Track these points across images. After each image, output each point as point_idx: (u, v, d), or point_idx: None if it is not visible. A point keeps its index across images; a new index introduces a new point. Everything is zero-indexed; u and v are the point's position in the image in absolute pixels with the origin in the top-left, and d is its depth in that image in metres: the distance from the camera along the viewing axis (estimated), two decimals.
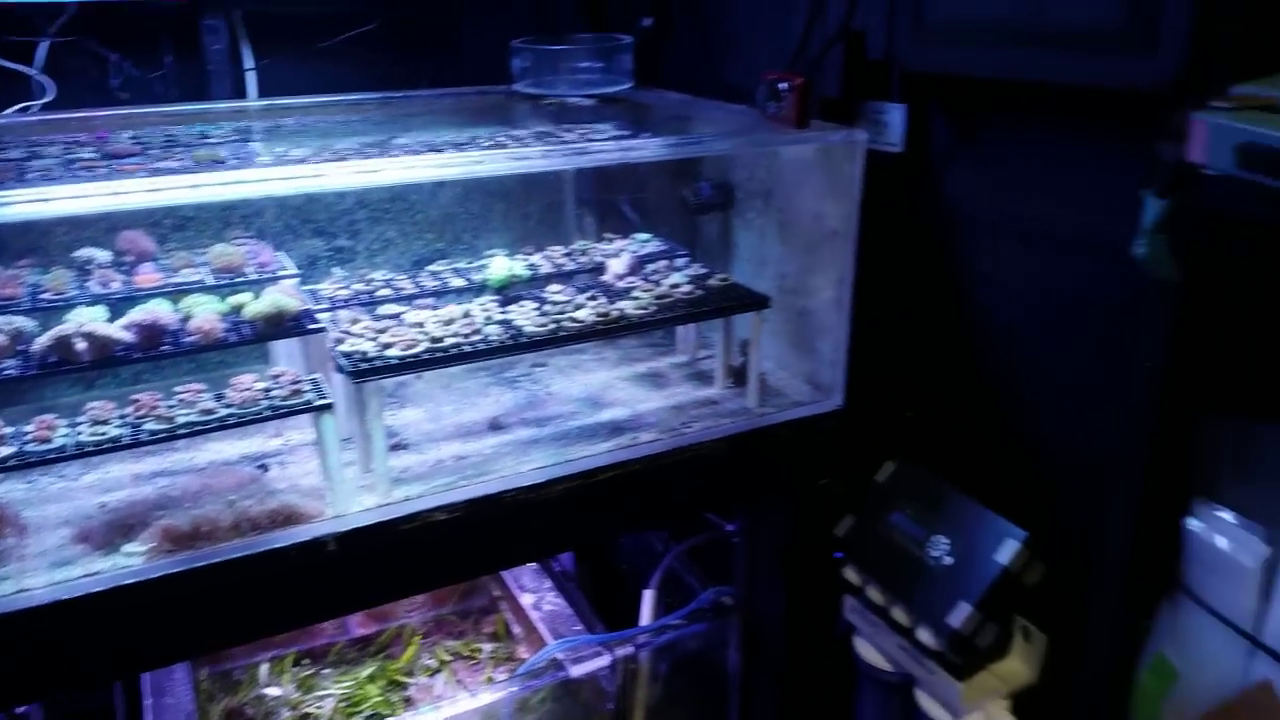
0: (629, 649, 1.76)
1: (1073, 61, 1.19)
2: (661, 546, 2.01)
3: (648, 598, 1.88)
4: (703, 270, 1.70)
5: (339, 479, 1.31)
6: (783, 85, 1.53)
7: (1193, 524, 1.10)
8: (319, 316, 1.42)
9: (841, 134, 1.53)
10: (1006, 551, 1.29)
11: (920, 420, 1.59)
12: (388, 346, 1.39)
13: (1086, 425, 1.32)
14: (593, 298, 1.57)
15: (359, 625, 2.18)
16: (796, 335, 1.71)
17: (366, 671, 2.01)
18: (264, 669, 2.00)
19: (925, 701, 1.40)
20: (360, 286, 1.62)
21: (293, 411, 1.29)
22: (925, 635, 1.33)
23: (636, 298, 1.57)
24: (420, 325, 1.46)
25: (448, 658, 2.08)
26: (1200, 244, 1.04)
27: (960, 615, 1.29)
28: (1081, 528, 1.28)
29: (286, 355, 1.53)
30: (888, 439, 1.58)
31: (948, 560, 1.35)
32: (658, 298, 1.58)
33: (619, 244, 1.81)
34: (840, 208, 1.56)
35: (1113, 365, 1.22)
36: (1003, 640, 1.37)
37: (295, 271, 1.51)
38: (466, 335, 1.43)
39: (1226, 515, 1.08)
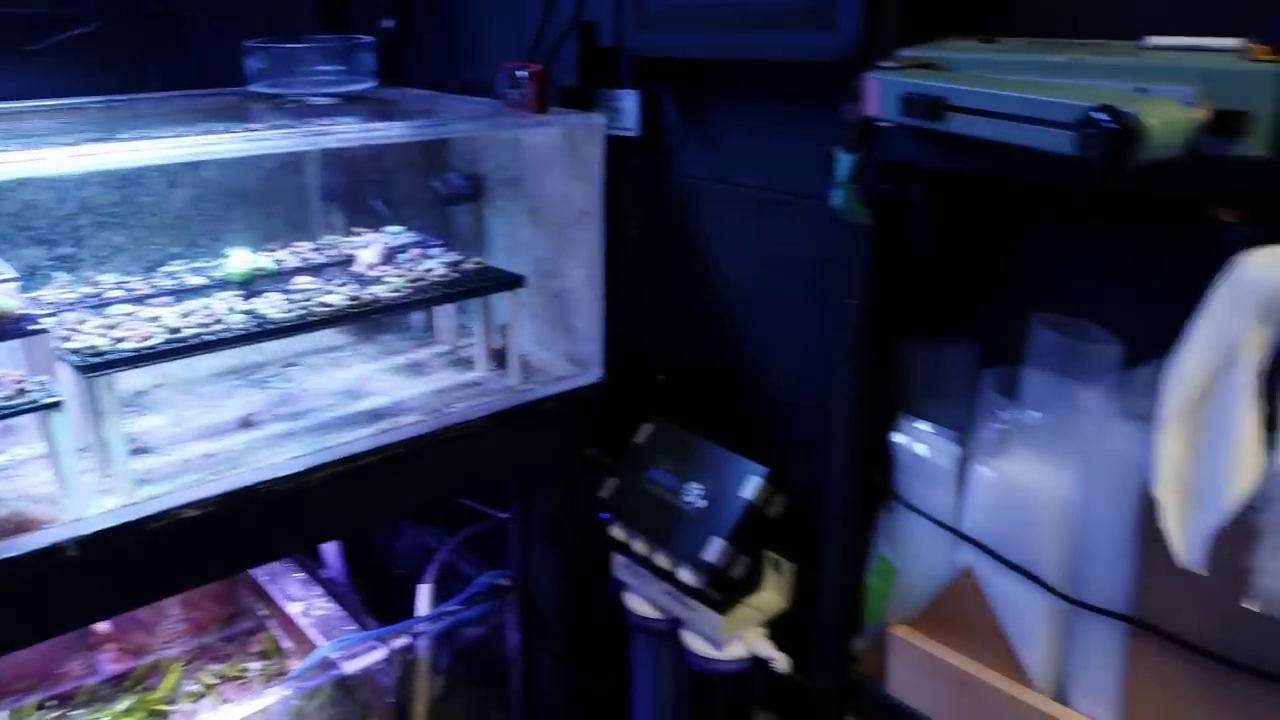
0: (405, 640, 1.74)
1: (770, 39, 1.33)
2: (436, 543, 2.01)
3: (423, 591, 1.87)
4: (458, 257, 1.73)
5: (75, 483, 1.23)
6: (521, 73, 1.60)
7: (898, 438, 1.25)
8: (42, 320, 1.33)
9: (579, 118, 1.62)
10: (750, 487, 1.40)
11: (673, 382, 1.69)
12: (120, 340, 1.32)
13: (811, 366, 1.46)
14: (343, 285, 1.56)
15: (111, 662, 2.02)
16: (554, 315, 1.77)
17: (123, 706, 1.87)
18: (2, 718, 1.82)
19: (691, 640, 1.49)
20: (88, 290, 1.53)
21: (17, 411, 1.20)
22: (685, 574, 1.42)
23: (389, 283, 1.58)
24: (156, 319, 1.40)
25: (214, 681, 1.97)
26: (885, 190, 1.18)
27: (714, 550, 1.39)
28: (814, 459, 1.41)
29: (4, 364, 1.42)
30: (645, 403, 1.67)
31: (701, 504, 1.44)
32: (411, 282, 1.60)
33: (370, 237, 1.81)
34: (585, 189, 1.64)
35: (828, 309, 1.36)
36: (755, 574, 1.48)
37: (12, 275, 1.40)
38: (207, 325, 1.39)
39: (924, 426, 1.24)
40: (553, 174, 1.71)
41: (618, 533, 1.55)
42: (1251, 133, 0.83)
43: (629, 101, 1.65)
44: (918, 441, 1.23)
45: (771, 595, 1.50)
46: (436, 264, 1.68)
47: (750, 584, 1.48)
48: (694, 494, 1.46)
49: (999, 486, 1.16)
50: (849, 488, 1.27)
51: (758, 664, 1.46)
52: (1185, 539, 0.88)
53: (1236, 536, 0.89)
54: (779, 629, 1.49)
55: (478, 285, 1.63)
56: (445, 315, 1.84)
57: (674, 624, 1.53)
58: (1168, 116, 0.81)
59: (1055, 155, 0.85)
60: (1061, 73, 0.96)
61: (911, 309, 1.26)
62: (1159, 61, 0.90)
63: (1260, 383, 0.84)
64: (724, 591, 1.43)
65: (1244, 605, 0.91)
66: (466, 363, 1.76)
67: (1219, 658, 1.00)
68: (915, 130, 1.06)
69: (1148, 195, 0.97)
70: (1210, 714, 1.03)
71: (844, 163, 1.18)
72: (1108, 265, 1.14)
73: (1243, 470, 0.84)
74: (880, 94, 1.08)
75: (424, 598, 1.87)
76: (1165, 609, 1.04)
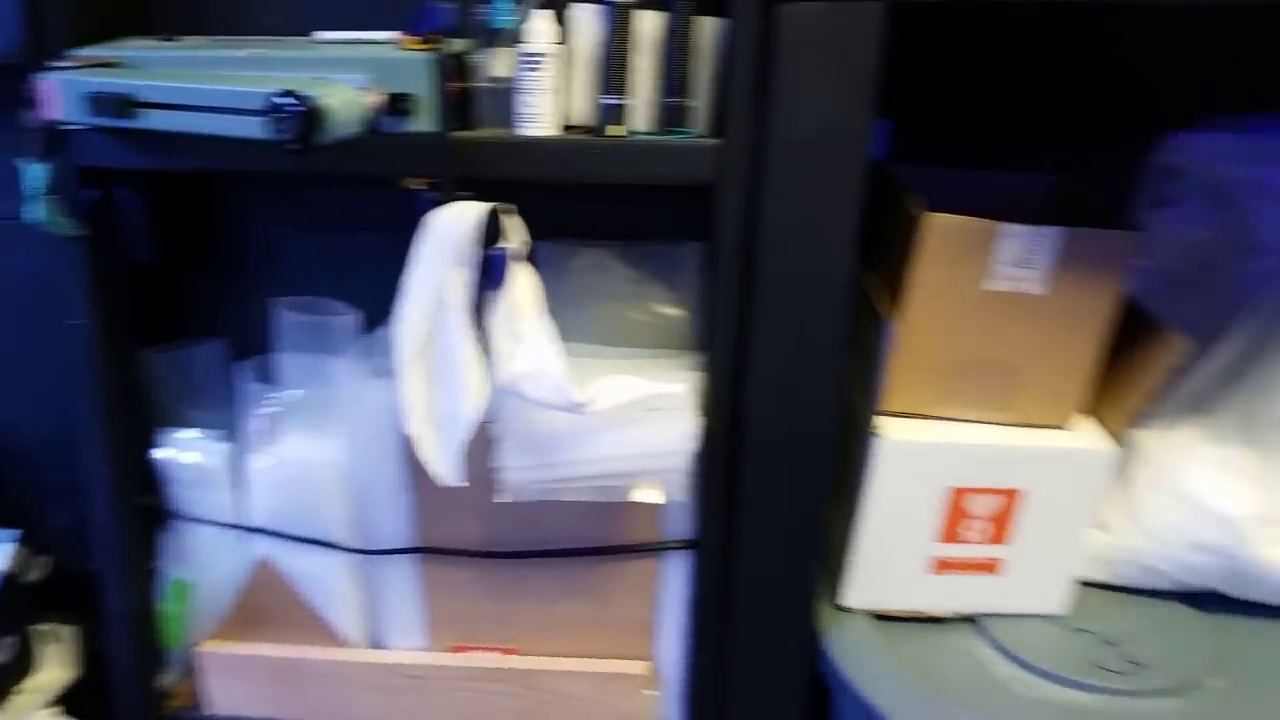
0: None
1: None
2: None
3: None
4: None
5: None
6: None
7: (162, 452, 1.20)
8: None
9: None
10: (0, 558, 1.21)
11: None
12: None
13: (47, 402, 1.30)
14: None
15: None
16: None
17: None
18: None
19: None
20: None
21: None
22: None
23: None
24: None
25: None
26: (91, 198, 1.11)
27: None
28: (74, 503, 1.27)
29: None
30: None
31: None
32: None
33: None
34: None
35: (53, 336, 1.23)
36: (27, 657, 1.28)
37: None
38: None
39: (189, 433, 1.20)
40: None
41: None
42: (418, 112, 0.99)
43: None
44: (185, 451, 1.20)
45: (55, 671, 1.31)
46: None
47: (23, 666, 1.27)
48: None
49: (276, 471, 1.19)
50: (117, 520, 1.18)
51: None
52: (441, 461, 1.02)
53: (482, 447, 1.06)
54: (75, 700, 1.32)
55: None
56: None
57: None
58: (345, 99, 0.92)
59: (253, 142, 0.90)
60: (246, 66, 1.01)
61: (152, 317, 1.21)
62: (332, 53, 1.01)
63: (471, 316, 1.00)
64: None
65: (498, 500, 1.09)
66: None
67: (493, 553, 1.18)
68: (110, 131, 1.02)
69: (349, 173, 1.08)
70: (498, 603, 1.21)
71: (35, 173, 1.08)
72: (337, 243, 1.24)
73: (473, 392, 0.99)
74: (62, 95, 1.01)
75: None
76: (443, 528, 1.19)
